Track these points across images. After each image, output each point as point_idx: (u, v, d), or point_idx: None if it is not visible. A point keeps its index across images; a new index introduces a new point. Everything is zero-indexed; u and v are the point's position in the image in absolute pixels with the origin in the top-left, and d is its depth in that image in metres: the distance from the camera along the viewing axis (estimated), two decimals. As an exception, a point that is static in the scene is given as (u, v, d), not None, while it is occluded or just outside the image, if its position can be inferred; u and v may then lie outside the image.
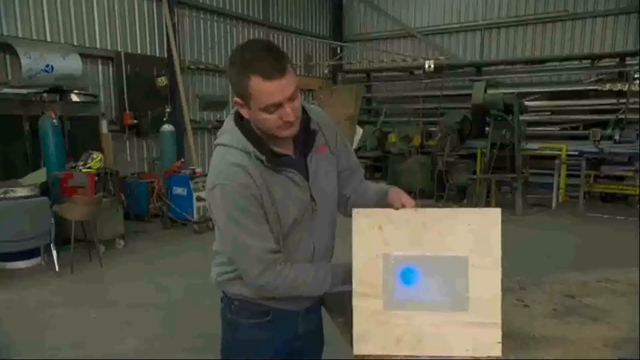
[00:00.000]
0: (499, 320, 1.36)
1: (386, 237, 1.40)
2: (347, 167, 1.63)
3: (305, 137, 1.47)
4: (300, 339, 1.62)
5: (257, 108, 1.32)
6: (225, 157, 1.39)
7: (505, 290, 1.91)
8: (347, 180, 1.64)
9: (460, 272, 1.38)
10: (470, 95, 9.47)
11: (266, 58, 1.27)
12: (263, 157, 1.37)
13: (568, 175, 9.00)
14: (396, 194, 1.49)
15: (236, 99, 1.37)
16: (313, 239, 1.53)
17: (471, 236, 1.38)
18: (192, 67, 9.98)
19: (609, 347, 1.42)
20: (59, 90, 7.16)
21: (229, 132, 1.44)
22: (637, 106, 9.07)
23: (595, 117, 9.86)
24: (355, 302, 1.39)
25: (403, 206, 1.43)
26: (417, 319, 1.38)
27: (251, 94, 1.29)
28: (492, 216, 1.39)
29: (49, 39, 7.55)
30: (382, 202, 1.51)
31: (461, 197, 9.34)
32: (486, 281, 1.38)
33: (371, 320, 1.38)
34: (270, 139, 1.41)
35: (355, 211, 1.41)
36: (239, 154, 1.38)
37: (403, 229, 1.40)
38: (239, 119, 1.44)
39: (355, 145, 11.32)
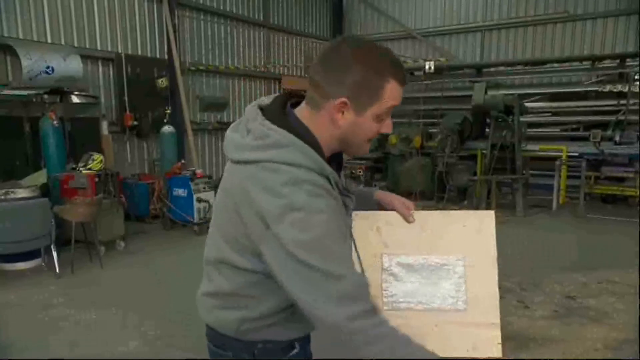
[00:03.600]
0: (498, 320, 1.37)
1: (384, 239, 1.42)
2: None
3: (337, 155, 1.32)
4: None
5: (373, 114, 1.18)
6: (301, 177, 1.12)
7: (506, 291, 1.91)
8: None
9: (458, 272, 1.40)
10: (470, 96, 9.47)
11: (401, 64, 1.22)
12: (340, 181, 1.21)
13: (568, 177, 8.99)
14: (395, 198, 1.48)
15: (344, 100, 1.15)
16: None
17: (467, 237, 1.41)
18: (193, 68, 9.99)
19: (609, 348, 1.42)
20: (60, 92, 7.18)
21: (294, 148, 1.14)
22: (638, 107, 9.06)
23: (596, 118, 9.86)
24: None
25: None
26: (416, 319, 1.38)
27: (380, 97, 1.17)
28: (487, 218, 1.42)
29: (49, 41, 7.57)
30: (368, 203, 1.49)
31: (462, 198, 9.33)
32: (483, 281, 1.39)
33: None
34: (325, 154, 1.23)
35: (354, 214, 1.42)
36: (317, 178, 1.14)
37: (401, 230, 1.42)
38: (295, 130, 1.18)
39: (355, 147, 11.30)
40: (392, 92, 1.18)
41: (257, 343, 1.33)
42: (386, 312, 1.38)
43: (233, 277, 1.27)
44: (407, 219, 1.43)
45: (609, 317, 1.67)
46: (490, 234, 1.40)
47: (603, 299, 1.83)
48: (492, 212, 1.43)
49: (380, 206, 1.50)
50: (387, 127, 1.23)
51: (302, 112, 1.24)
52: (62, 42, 7.73)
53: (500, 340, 1.35)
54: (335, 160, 1.29)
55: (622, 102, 9.39)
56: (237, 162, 1.21)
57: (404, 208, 1.44)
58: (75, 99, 7.49)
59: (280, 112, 1.23)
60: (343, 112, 1.17)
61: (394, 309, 1.39)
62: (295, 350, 1.38)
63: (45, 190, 5.91)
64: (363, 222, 1.43)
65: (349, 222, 1.33)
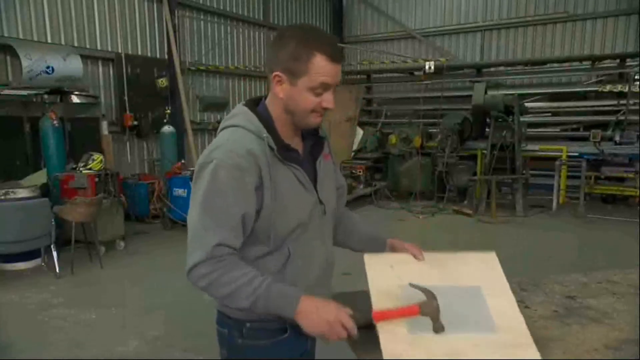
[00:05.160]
0: (531, 340, 1.34)
1: (399, 274, 1.45)
2: (340, 185, 1.65)
3: (315, 141, 1.48)
4: (309, 354, 1.57)
5: (305, 86, 1.31)
6: (234, 136, 1.33)
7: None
8: (339, 198, 1.64)
9: (477, 298, 1.42)
10: (470, 96, 9.47)
11: (333, 42, 1.34)
12: (274, 146, 1.33)
13: (568, 177, 8.97)
14: (406, 244, 1.56)
15: (277, 73, 1.32)
16: (326, 246, 1.50)
17: (476, 272, 1.48)
18: (193, 68, 9.99)
19: (609, 348, 1.42)
20: (60, 92, 7.18)
21: (242, 115, 1.38)
22: (638, 107, 9.06)
23: (596, 118, 9.86)
24: (380, 328, 1.32)
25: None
26: (447, 340, 1.32)
27: (309, 70, 1.29)
28: (489, 257, 1.53)
29: (49, 41, 7.56)
30: (380, 247, 1.61)
31: (461, 198, 9.33)
32: (504, 307, 1.42)
33: (400, 344, 1.32)
34: (285, 131, 1.39)
35: (366, 256, 1.49)
36: (250, 136, 1.33)
37: (413, 267, 1.49)
38: (253, 107, 1.41)
39: (355, 147, 11.32)
40: (320, 66, 1.29)
41: (245, 322, 1.40)
42: (413, 335, 1.32)
43: None
44: (417, 258, 1.51)
45: (609, 317, 1.67)
46: (497, 269, 1.50)
47: (603, 299, 1.83)
48: (493, 253, 1.55)
49: (393, 250, 1.59)
50: (327, 101, 1.34)
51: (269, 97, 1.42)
52: (62, 42, 7.72)
53: (540, 358, 1.31)
54: (313, 138, 1.47)
55: (622, 102, 9.39)
56: None
57: (414, 249, 1.53)
58: (75, 99, 7.49)
59: (255, 101, 1.45)
60: (282, 84, 1.33)
61: (421, 332, 1.32)
62: (285, 335, 1.42)
63: (45, 190, 5.90)
64: (376, 262, 1.48)
65: (301, 194, 1.39)
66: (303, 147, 1.46)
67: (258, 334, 1.41)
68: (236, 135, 1.33)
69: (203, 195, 1.29)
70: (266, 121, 1.36)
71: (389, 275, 1.45)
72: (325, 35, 1.35)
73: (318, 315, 1.26)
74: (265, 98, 1.44)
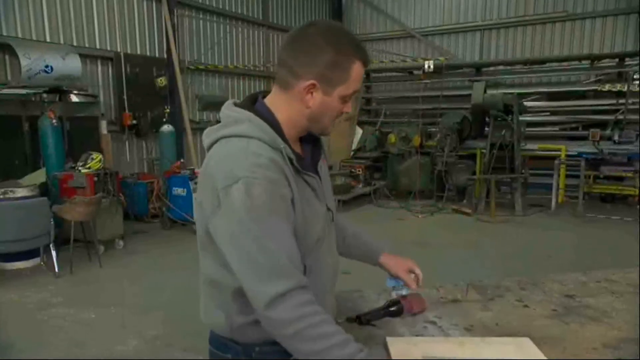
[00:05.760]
0: None
1: (423, 352, 1.37)
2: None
3: (314, 144, 1.36)
4: None
5: (340, 95, 1.22)
6: (249, 147, 1.14)
7: (505, 290, 1.91)
8: None
9: None
10: (469, 95, 9.47)
11: (364, 46, 1.25)
12: (293, 156, 1.18)
13: (567, 176, 8.98)
14: (400, 266, 1.48)
15: (313, 82, 1.18)
16: (334, 255, 1.41)
17: (512, 354, 1.37)
18: (192, 67, 9.98)
19: (608, 347, 1.43)
20: (59, 91, 7.17)
21: (249, 122, 1.18)
22: (637, 107, 9.07)
23: (595, 117, 9.87)
24: None
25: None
26: None
27: (349, 79, 1.21)
28: (525, 343, 1.41)
29: (48, 40, 7.55)
30: (370, 260, 1.56)
31: (461, 197, 9.34)
32: None
33: None
34: (290, 136, 1.25)
35: (389, 340, 1.41)
36: (267, 148, 1.15)
37: (439, 345, 1.41)
38: (252, 109, 1.24)
39: (354, 146, 11.32)
40: (358, 74, 1.22)
41: (254, 345, 1.28)
42: None
43: (214, 271, 1.25)
44: (411, 286, 1.45)
45: (607, 316, 1.67)
46: (536, 353, 1.36)
47: (602, 298, 1.83)
48: (527, 338, 1.43)
49: (384, 268, 1.53)
50: (348, 106, 1.27)
51: (271, 96, 1.27)
52: (61, 41, 7.71)
53: None
54: (311, 140, 1.34)
55: (621, 101, 9.40)
56: (208, 148, 1.24)
57: (408, 275, 1.46)
58: (74, 98, 7.48)
59: (249, 101, 1.28)
60: (312, 93, 1.20)
61: None
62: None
63: (44, 190, 5.89)
64: (399, 343, 1.41)
65: (316, 206, 1.27)
66: (304, 153, 1.32)
67: (269, 357, 1.27)
68: (250, 147, 1.15)
69: (247, 218, 1.09)
70: (277, 127, 1.21)
71: (413, 352, 1.36)
72: (356, 37, 1.25)
73: None
74: (263, 97, 1.29)
